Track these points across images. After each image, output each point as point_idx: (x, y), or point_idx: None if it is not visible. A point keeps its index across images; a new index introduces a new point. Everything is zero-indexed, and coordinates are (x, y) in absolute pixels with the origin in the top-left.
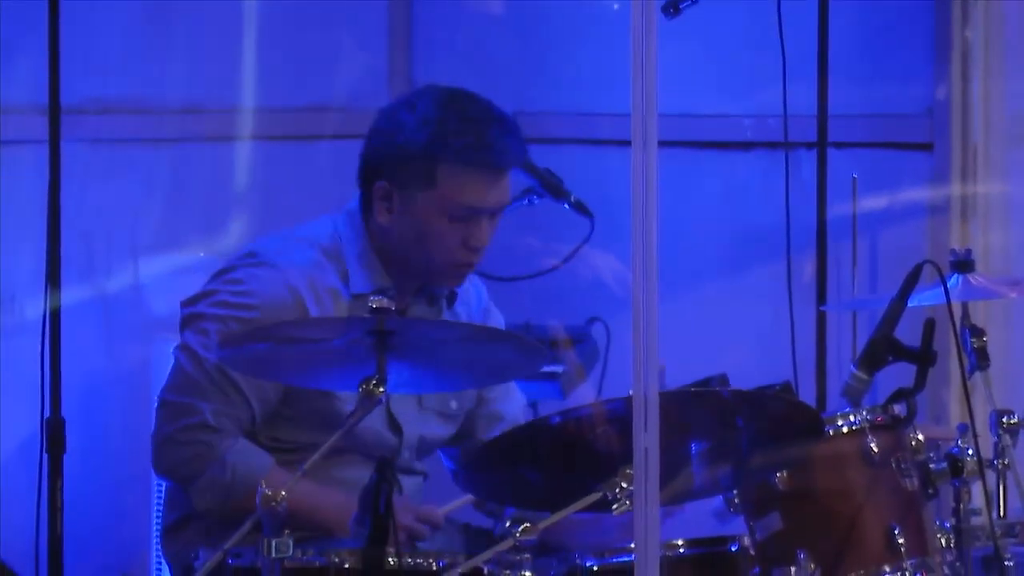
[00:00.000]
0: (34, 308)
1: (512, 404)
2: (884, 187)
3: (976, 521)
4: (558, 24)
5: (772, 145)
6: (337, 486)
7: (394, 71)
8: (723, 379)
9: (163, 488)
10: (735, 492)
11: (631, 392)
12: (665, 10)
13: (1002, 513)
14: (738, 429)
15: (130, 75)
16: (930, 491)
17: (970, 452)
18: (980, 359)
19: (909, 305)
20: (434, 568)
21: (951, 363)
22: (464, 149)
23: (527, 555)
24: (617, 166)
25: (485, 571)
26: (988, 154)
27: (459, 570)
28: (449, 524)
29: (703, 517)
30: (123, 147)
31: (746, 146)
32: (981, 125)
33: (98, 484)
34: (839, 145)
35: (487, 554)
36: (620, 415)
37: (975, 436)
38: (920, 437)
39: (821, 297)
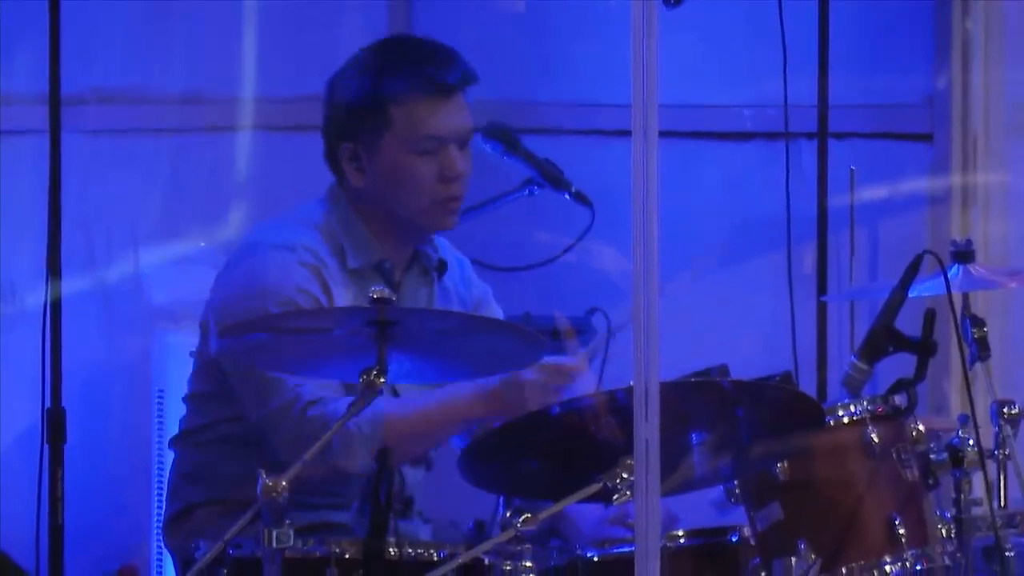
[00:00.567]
0: (34, 298)
1: None
2: (884, 177)
3: (977, 511)
4: (558, 15)
5: (772, 135)
6: (337, 476)
7: None
8: (723, 369)
9: (164, 479)
10: (735, 482)
11: (631, 383)
12: (665, 0)
13: (1003, 503)
14: (738, 419)
15: (131, 65)
16: (931, 481)
17: (971, 442)
18: (981, 349)
19: (909, 295)
20: (435, 559)
21: (952, 353)
22: (409, 81)
23: (527, 545)
24: (617, 156)
25: (486, 562)
26: (988, 144)
27: (459, 560)
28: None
29: (703, 507)
30: (123, 137)
31: (746, 136)
32: (981, 115)
33: (98, 474)
34: (839, 135)
35: (487, 544)
36: (621, 405)
37: (976, 426)
38: (921, 427)
39: (822, 287)
